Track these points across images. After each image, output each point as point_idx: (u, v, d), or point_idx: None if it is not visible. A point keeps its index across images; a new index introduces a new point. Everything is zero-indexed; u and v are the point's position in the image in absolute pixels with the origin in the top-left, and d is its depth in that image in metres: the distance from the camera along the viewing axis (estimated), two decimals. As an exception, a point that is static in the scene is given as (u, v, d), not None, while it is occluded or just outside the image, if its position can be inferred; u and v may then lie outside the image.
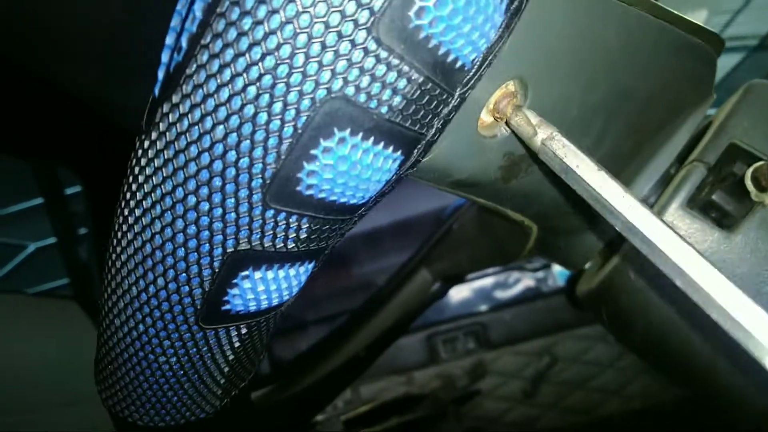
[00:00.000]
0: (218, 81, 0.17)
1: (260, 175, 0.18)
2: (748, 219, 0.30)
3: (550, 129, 0.23)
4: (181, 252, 0.20)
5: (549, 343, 1.43)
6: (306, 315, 1.62)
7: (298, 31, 0.16)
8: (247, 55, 0.16)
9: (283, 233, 0.20)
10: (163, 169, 0.19)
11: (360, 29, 0.16)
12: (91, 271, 1.28)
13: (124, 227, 0.21)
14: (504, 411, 1.43)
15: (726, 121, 0.32)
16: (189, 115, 0.17)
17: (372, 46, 0.17)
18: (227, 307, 0.22)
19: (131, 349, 0.23)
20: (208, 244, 0.20)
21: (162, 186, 0.19)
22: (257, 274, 0.21)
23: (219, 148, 0.18)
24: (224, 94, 0.17)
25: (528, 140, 0.24)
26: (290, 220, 0.19)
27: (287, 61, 0.16)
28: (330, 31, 0.16)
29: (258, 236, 0.19)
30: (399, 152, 0.19)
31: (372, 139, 0.18)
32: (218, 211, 0.19)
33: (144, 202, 0.20)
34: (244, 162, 0.18)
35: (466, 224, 0.60)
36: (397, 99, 0.18)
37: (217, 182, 0.18)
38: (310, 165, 0.18)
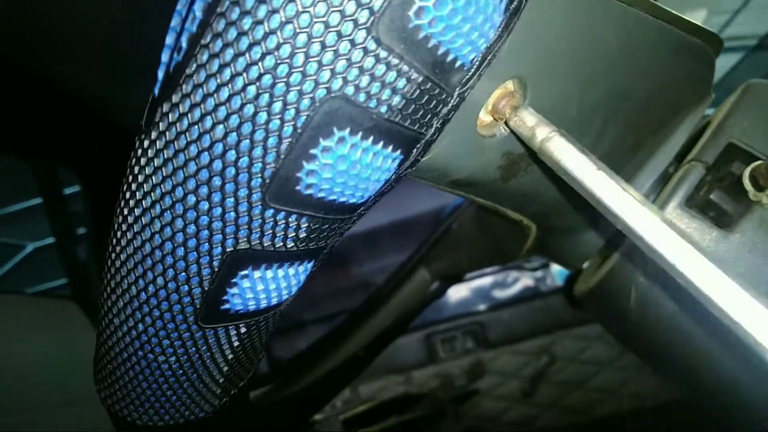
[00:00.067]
0: (218, 80, 0.17)
1: (260, 175, 0.18)
2: (746, 218, 0.30)
3: (549, 128, 0.23)
4: (180, 251, 0.20)
5: (547, 343, 1.44)
6: (305, 314, 1.62)
7: (297, 30, 0.16)
8: (247, 55, 0.16)
9: (283, 232, 0.20)
10: (163, 169, 0.19)
11: (360, 29, 0.16)
12: (89, 271, 1.28)
13: (124, 226, 0.21)
14: (502, 410, 1.43)
15: (724, 121, 0.32)
16: (189, 115, 0.18)
17: (371, 45, 0.17)
18: (226, 306, 0.22)
19: (130, 349, 0.23)
20: (207, 244, 0.20)
21: (162, 185, 0.19)
22: (256, 274, 0.21)
23: (219, 148, 0.18)
24: (224, 93, 0.17)
25: (527, 140, 0.24)
26: (290, 219, 0.19)
27: (287, 60, 0.16)
28: (330, 31, 0.16)
29: (257, 235, 0.20)
30: (398, 151, 0.19)
31: (371, 138, 0.18)
32: (218, 211, 0.19)
33: (144, 201, 0.20)
34: (244, 161, 0.18)
35: (465, 224, 0.60)
36: (397, 98, 0.18)
37: (216, 181, 0.18)
38: (309, 164, 0.18)
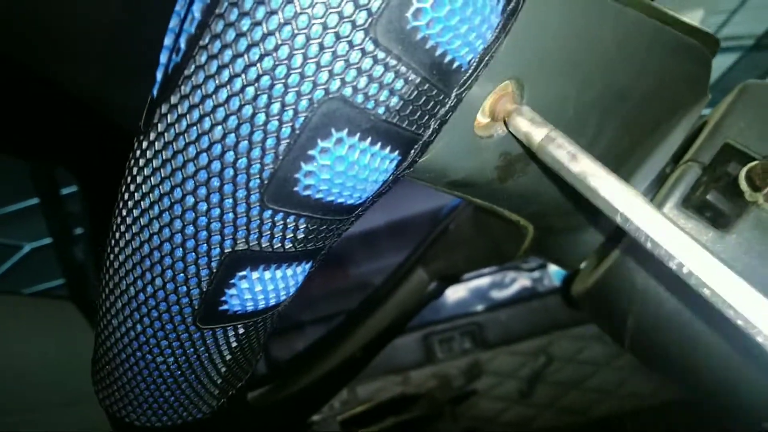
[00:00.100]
0: (217, 82, 0.17)
1: (258, 176, 0.18)
2: (743, 219, 0.30)
3: (547, 128, 0.23)
4: (179, 252, 0.20)
5: (545, 343, 1.44)
6: (302, 315, 1.62)
7: (296, 32, 0.16)
8: (245, 56, 0.16)
9: (281, 233, 0.20)
10: (162, 170, 0.19)
11: (358, 30, 0.16)
12: (87, 271, 1.28)
13: (122, 227, 0.21)
14: (500, 411, 1.43)
15: (721, 121, 0.32)
16: (187, 116, 0.18)
17: (370, 47, 0.17)
18: (225, 307, 0.22)
19: (129, 349, 0.23)
20: (206, 245, 0.20)
21: (160, 186, 0.19)
22: (255, 275, 0.21)
23: (217, 149, 0.18)
24: (223, 94, 0.17)
25: (525, 140, 0.24)
26: (288, 220, 0.19)
27: (285, 62, 0.16)
28: (328, 32, 0.16)
29: (256, 236, 0.20)
30: (396, 153, 0.19)
31: (369, 139, 0.18)
32: (216, 212, 0.19)
33: (142, 202, 0.20)
34: (242, 162, 0.18)
35: (463, 224, 0.60)
36: (395, 100, 0.18)
37: (215, 183, 0.18)
38: (307, 165, 0.18)
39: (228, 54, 0.16)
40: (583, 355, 1.42)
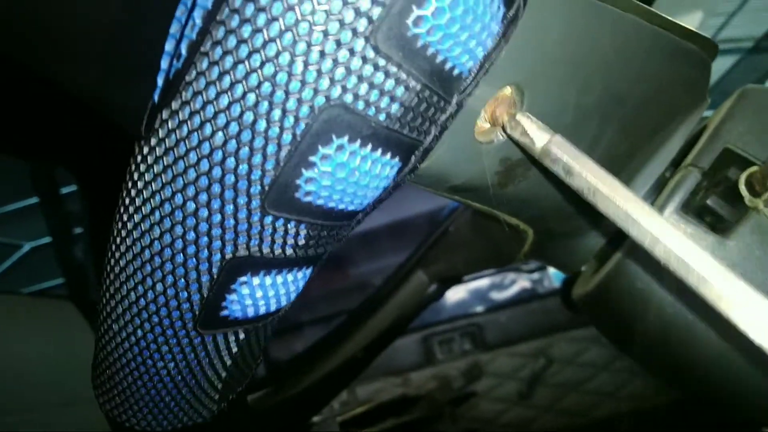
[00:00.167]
0: (218, 88, 0.17)
1: (259, 182, 0.18)
2: (742, 224, 0.30)
3: (548, 133, 0.23)
4: (179, 258, 0.20)
5: (544, 345, 1.44)
6: (302, 316, 1.62)
7: (297, 38, 0.16)
8: (246, 63, 0.16)
9: (282, 239, 0.20)
10: (163, 176, 0.19)
11: (358, 37, 0.16)
12: (86, 270, 1.28)
13: (123, 232, 0.21)
14: (500, 412, 1.43)
15: (720, 126, 0.32)
16: (188, 122, 0.18)
17: (370, 54, 0.17)
18: (225, 312, 0.22)
19: (129, 354, 0.23)
20: (206, 250, 0.20)
21: (161, 192, 0.19)
22: (255, 280, 0.21)
23: (218, 155, 0.18)
24: (224, 101, 0.17)
25: (526, 145, 0.24)
26: (288, 226, 0.19)
27: (286, 68, 0.16)
28: (329, 39, 0.16)
29: (256, 242, 0.20)
30: (397, 159, 0.20)
31: (370, 146, 0.18)
32: (217, 218, 0.19)
33: (143, 207, 0.20)
34: (243, 169, 0.18)
35: (462, 226, 0.60)
36: (395, 106, 0.18)
37: (216, 189, 0.18)
38: (308, 172, 0.18)
39: (229, 60, 0.16)
40: (583, 357, 1.42)
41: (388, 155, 0.19)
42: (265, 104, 0.17)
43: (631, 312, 0.33)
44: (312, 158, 0.18)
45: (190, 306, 0.21)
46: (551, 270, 1.52)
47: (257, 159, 0.18)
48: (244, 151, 0.18)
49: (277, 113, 0.17)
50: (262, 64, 0.16)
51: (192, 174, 0.18)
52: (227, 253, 0.20)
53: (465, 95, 0.20)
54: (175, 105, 0.18)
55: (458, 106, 0.20)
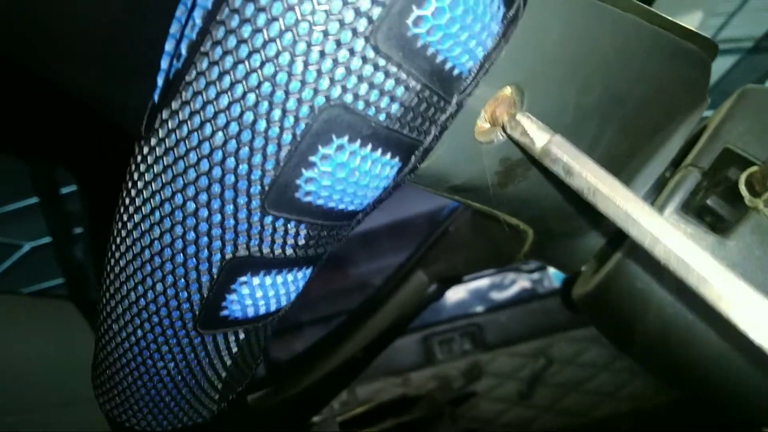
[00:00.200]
0: (218, 88, 0.17)
1: (259, 182, 0.18)
2: (742, 224, 0.30)
3: (548, 133, 0.23)
4: (179, 258, 0.20)
5: (544, 345, 1.44)
6: (301, 316, 1.62)
7: (297, 38, 0.16)
8: (246, 63, 0.16)
9: (282, 239, 0.20)
10: (163, 176, 0.19)
11: (358, 37, 0.16)
12: (86, 270, 1.28)
13: (123, 232, 0.21)
14: (500, 412, 1.43)
15: (720, 126, 0.32)
16: (188, 122, 0.18)
17: (370, 54, 0.17)
18: (225, 312, 0.22)
19: (129, 354, 0.23)
20: (206, 250, 0.20)
21: (161, 192, 0.19)
22: (255, 280, 0.21)
23: (218, 155, 0.18)
24: (224, 101, 0.17)
25: (526, 145, 0.24)
26: (288, 226, 0.19)
27: (286, 68, 0.16)
28: (329, 39, 0.16)
29: (256, 242, 0.20)
30: (397, 159, 0.20)
31: (370, 146, 0.18)
32: (217, 218, 0.19)
33: (143, 207, 0.20)
34: (243, 169, 0.18)
35: (462, 226, 0.60)
36: (395, 106, 0.18)
37: (216, 189, 0.18)
38: (308, 172, 0.18)
39: (229, 60, 0.16)
40: (583, 357, 1.42)
41: (388, 155, 0.19)
42: (265, 104, 0.17)
43: (631, 312, 0.33)
44: (312, 158, 0.18)
45: (190, 306, 0.21)
46: (551, 270, 1.52)
47: (257, 159, 0.18)
48: (244, 151, 0.18)
49: (277, 113, 0.17)
50: (262, 64, 0.16)
51: (192, 174, 0.18)
52: (227, 253, 0.20)
53: (465, 95, 0.20)
54: (175, 105, 0.18)
55: (458, 106, 0.20)
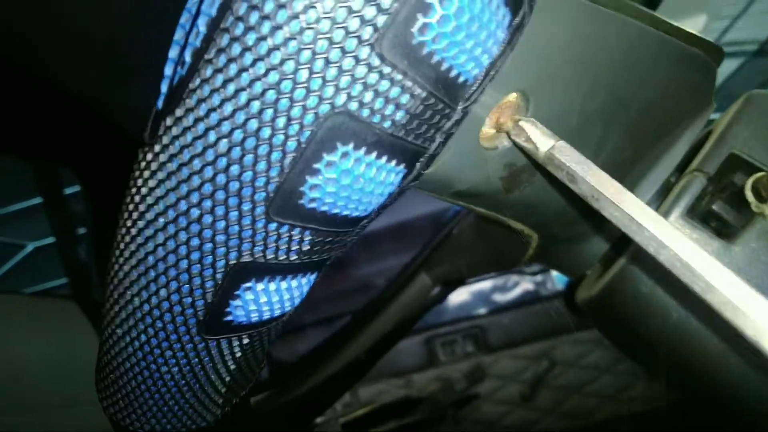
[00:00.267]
0: (222, 95, 0.17)
1: (263, 189, 0.18)
2: (748, 230, 0.30)
3: (553, 139, 0.23)
4: (184, 264, 0.20)
5: (547, 347, 1.44)
6: (304, 317, 1.62)
7: (301, 46, 0.16)
8: (250, 70, 0.16)
9: (286, 245, 0.20)
10: (167, 182, 0.19)
11: (363, 45, 0.16)
12: (89, 271, 1.28)
13: (127, 238, 0.21)
14: (502, 414, 1.43)
15: (726, 131, 0.32)
16: (192, 129, 0.18)
17: (375, 61, 0.17)
18: (229, 318, 0.22)
19: (133, 359, 0.23)
20: (211, 257, 0.20)
21: (165, 199, 0.19)
22: (259, 286, 0.21)
23: (222, 162, 0.18)
24: (228, 108, 0.17)
25: (531, 151, 0.24)
26: (293, 232, 0.19)
27: (291, 76, 0.16)
28: (334, 47, 0.16)
29: (261, 248, 0.20)
30: (401, 166, 0.20)
31: (375, 153, 0.18)
32: (221, 224, 0.19)
33: (147, 214, 0.20)
34: (248, 176, 0.18)
35: (466, 229, 0.60)
36: (400, 114, 0.18)
37: (220, 196, 0.18)
38: (313, 179, 0.18)
39: (233, 68, 0.16)
40: (586, 359, 1.42)
41: (393, 162, 0.19)
42: (270, 112, 0.17)
43: (636, 316, 0.33)
44: (317, 165, 0.18)
45: (194, 312, 0.21)
46: (554, 273, 1.52)
47: (262, 166, 0.18)
48: (249, 158, 0.18)
49: (281, 121, 0.17)
50: (267, 71, 0.16)
51: (196, 181, 0.18)
52: (231, 259, 0.20)
53: (470, 102, 0.19)
54: (179, 112, 0.18)
55: (463, 113, 0.20)
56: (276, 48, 0.16)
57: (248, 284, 0.21)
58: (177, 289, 0.21)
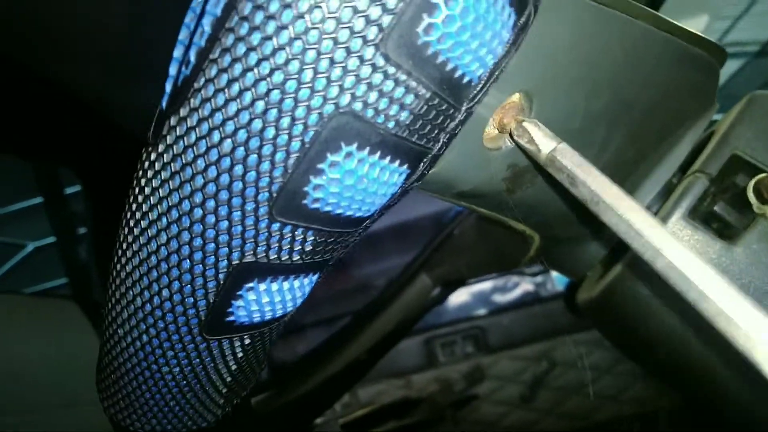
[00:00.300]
0: (227, 95, 0.17)
1: (267, 189, 0.18)
2: (750, 231, 0.30)
3: (555, 140, 0.23)
4: (186, 264, 0.20)
5: (547, 348, 1.44)
6: (304, 317, 1.61)
7: (306, 46, 0.16)
8: (255, 70, 0.16)
9: (289, 246, 0.20)
10: (170, 182, 0.19)
11: (368, 45, 0.16)
12: (89, 271, 1.28)
13: (130, 238, 0.21)
14: (501, 415, 1.43)
15: (728, 132, 0.32)
16: (196, 129, 0.18)
17: (380, 62, 0.17)
18: (231, 318, 0.22)
19: (134, 359, 0.23)
20: (213, 257, 0.20)
21: (168, 198, 0.19)
22: (262, 286, 0.21)
23: (226, 162, 0.18)
24: (232, 108, 0.17)
25: (533, 152, 0.24)
26: (296, 233, 0.19)
27: (295, 76, 0.16)
28: (339, 47, 0.16)
29: (263, 249, 0.20)
30: (405, 166, 0.19)
31: (379, 153, 0.18)
32: (224, 224, 0.19)
33: (150, 213, 0.20)
34: (251, 176, 0.18)
35: (467, 230, 0.60)
36: (405, 114, 0.18)
37: (223, 195, 0.18)
38: (316, 179, 0.18)
39: (238, 68, 0.16)
40: (586, 360, 1.42)
41: (397, 163, 0.19)
42: (274, 112, 0.17)
43: (636, 317, 0.33)
44: (320, 166, 0.18)
45: (196, 312, 0.21)
46: (554, 273, 1.52)
47: (265, 166, 0.18)
48: (252, 158, 0.17)
49: (285, 121, 0.17)
50: (271, 71, 0.16)
51: (200, 181, 0.18)
52: (234, 259, 0.20)
53: (474, 103, 0.19)
54: (183, 112, 0.18)
55: (467, 114, 0.20)
56: (281, 48, 0.16)
57: (251, 284, 0.21)
58: (179, 289, 0.21)
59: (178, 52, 0.18)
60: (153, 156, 0.19)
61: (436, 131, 0.19)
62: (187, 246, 0.20)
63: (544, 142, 0.23)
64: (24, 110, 0.74)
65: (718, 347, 0.31)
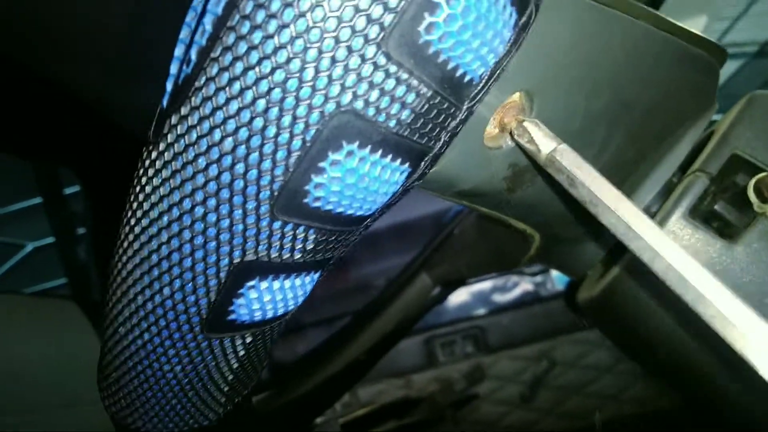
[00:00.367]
0: (227, 94, 0.17)
1: (268, 187, 0.18)
2: (750, 230, 0.30)
3: (555, 140, 0.23)
4: (187, 262, 0.20)
5: (547, 348, 1.43)
6: (304, 317, 1.61)
7: (308, 45, 0.16)
8: (256, 69, 0.16)
9: (290, 244, 0.20)
10: (171, 180, 0.19)
11: (370, 44, 0.16)
12: (89, 271, 1.28)
13: (131, 236, 0.21)
14: (502, 415, 1.43)
15: (728, 132, 0.32)
16: (197, 127, 0.18)
17: (381, 60, 0.17)
18: (233, 316, 0.22)
19: (135, 358, 0.23)
20: (214, 255, 0.20)
21: (169, 197, 0.19)
22: (263, 285, 0.21)
23: (227, 161, 0.18)
24: (233, 107, 0.17)
25: (532, 152, 0.24)
26: (297, 231, 0.19)
27: (297, 75, 0.16)
28: (340, 46, 0.16)
29: (265, 247, 0.20)
30: (406, 165, 0.20)
31: (380, 152, 0.18)
32: (225, 223, 0.19)
33: (151, 212, 0.20)
34: (252, 174, 0.18)
35: (467, 229, 0.60)
36: (406, 113, 0.18)
37: (224, 194, 0.18)
38: (317, 177, 0.18)
39: (239, 66, 0.16)
40: (586, 360, 1.42)
41: (398, 161, 0.19)
42: (275, 110, 0.17)
43: (637, 317, 0.33)
44: (322, 164, 0.18)
45: (197, 310, 0.21)
46: (554, 273, 1.52)
47: (267, 164, 0.18)
48: (254, 156, 0.17)
49: (287, 119, 0.17)
50: (273, 70, 0.16)
51: (201, 179, 0.18)
52: (235, 257, 0.20)
53: (476, 102, 0.19)
54: (184, 110, 0.18)
55: (468, 113, 0.20)
56: (282, 46, 0.16)
57: (252, 283, 0.21)
58: (180, 287, 0.21)
59: (179, 51, 0.18)
60: (154, 155, 0.19)
61: (437, 130, 0.19)
62: (188, 244, 0.20)
63: (544, 143, 0.23)
64: (24, 110, 0.74)
65: (718, 347, 0.31)
